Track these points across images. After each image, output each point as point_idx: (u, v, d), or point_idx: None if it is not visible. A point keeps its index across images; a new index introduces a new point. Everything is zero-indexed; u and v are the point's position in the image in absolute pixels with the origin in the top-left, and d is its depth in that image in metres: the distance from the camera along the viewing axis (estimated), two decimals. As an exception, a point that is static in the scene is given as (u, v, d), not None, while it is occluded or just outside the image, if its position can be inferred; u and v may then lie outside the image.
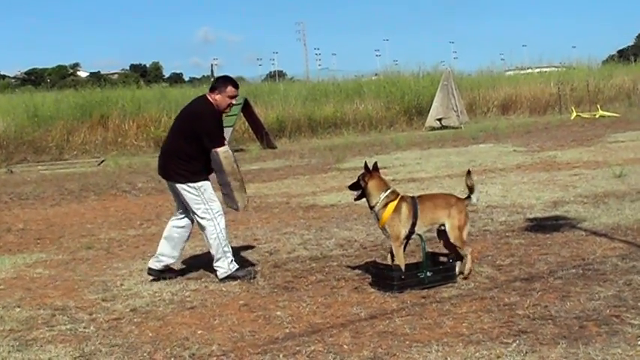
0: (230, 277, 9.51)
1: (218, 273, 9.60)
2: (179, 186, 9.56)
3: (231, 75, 10.29)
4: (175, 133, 9.81)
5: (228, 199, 9.63)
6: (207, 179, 9.61)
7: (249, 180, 20.87)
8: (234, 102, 9.68)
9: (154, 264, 9.83)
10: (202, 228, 9.62)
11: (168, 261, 9.83)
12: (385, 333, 7.02)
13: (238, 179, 9.51)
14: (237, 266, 9.65)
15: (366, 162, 9.22)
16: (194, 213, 9.59)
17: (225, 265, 9.56)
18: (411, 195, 9.11)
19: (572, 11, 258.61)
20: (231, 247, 9.72)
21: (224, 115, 9.73)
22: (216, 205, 9.56)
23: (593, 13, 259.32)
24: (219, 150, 9.36)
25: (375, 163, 9.08)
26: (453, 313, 7.49)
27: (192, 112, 9.70)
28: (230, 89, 9.55)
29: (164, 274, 9.83)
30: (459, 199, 9.08)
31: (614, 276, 8.31)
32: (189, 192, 9.51)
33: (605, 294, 7.67)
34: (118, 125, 38.00)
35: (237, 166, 9.55)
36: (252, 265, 10.26)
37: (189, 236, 10.00)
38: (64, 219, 15.92)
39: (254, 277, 9.55)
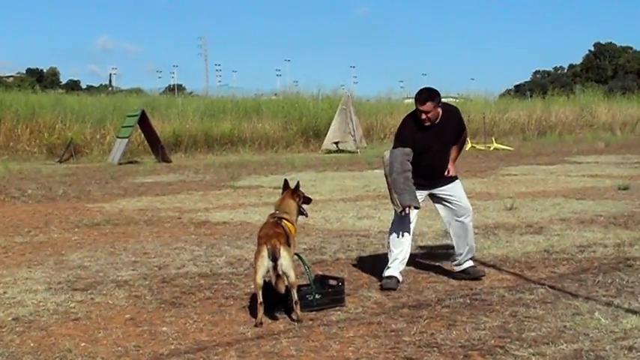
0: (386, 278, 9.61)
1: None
2: None
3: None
4: None
5: None
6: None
7: (142, 192, 20.71)
8: (424, 116, 9.68)
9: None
10: None
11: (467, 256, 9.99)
12: (271, 354, 6.98)
13: (388, 182, 9.78)
14: (386, 274, 9.62)
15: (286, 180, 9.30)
16: None
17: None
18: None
19: (471, 44, 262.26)
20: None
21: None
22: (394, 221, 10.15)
23: (492, 47, 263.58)
24: None
25: (297, 183, 9.12)
26: (340, 336, 7.49)
27: None
28: (416, 103, 9.72)
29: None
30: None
31: (501, 307, 8.41)
32: None
33: (491, 324, 7.75)
34: (10, 129, 37.40)
35: (386, 172, 9.84)
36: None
37: (464, 229, 9.97)
38: (-51, 222, 15.54)
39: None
